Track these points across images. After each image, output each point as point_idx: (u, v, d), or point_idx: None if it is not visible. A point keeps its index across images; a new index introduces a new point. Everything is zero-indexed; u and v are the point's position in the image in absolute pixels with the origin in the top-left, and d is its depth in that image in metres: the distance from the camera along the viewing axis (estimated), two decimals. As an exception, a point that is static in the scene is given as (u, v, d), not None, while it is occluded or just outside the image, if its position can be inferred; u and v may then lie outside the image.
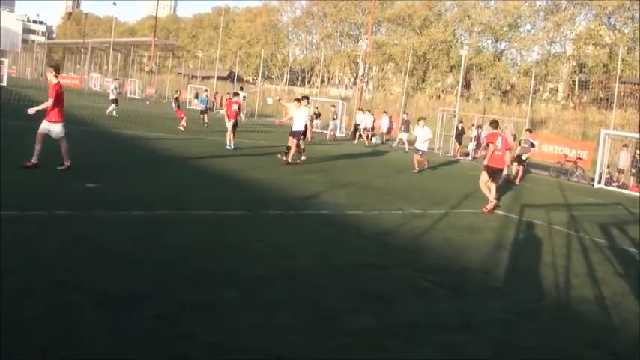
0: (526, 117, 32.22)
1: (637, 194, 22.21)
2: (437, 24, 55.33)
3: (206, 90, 36.40)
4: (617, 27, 46.40)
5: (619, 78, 30.27)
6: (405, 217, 10.97)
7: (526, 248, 9.60)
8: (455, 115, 33.57)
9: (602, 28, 46.05)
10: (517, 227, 11.41)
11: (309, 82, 67.43)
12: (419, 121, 20.43)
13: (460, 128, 32.01)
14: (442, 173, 15.64)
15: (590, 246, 10.30)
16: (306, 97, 18.97)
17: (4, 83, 48.85)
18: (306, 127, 17.56)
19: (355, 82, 55.60)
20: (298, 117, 17.62)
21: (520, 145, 21.75)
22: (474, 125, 32.94)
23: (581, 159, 27.48)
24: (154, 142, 19.18)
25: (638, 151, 25.01)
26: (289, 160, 17.01)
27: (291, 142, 17.34)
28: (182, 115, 26.24)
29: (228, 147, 19.39)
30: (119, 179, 11.37)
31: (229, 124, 19.87)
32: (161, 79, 73.23)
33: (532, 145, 21.74)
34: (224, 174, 13.59)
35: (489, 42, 54.65)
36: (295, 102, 18.38)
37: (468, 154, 31.67)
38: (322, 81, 58.44)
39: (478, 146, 31.43)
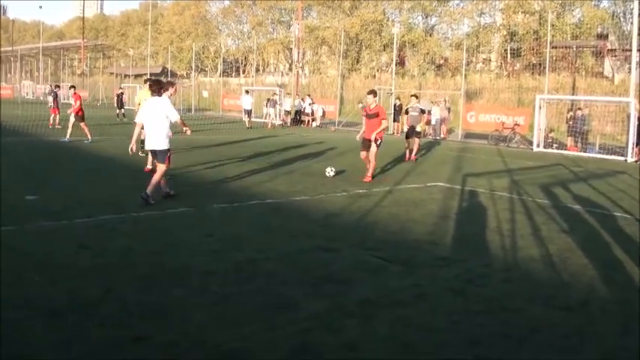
0: (461, 89, 32.69)
1: (575, 154, 22.89)
2: (367, 4, 55.35)
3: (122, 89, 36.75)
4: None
5: (550, 43, 30.93)
6: (351, 197, 10.99)
7: (471, 216, 9.75)
8: (391, 93, 33.83)
9: (531, -5, 46.87)
10: (460, 197, 11.58)
11: (244, 72, 66.87)
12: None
13: (398, 105, 32.20)
14: (381, 151, 15.66)
15: (534, 207, 10.54)
16: (148, 80, 13.24)
17: None
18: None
19: (291, 69, 55.36)
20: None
21: (408, 114, 19.03)
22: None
23: (518, 125, 28.11)
24: (89, 146, 18.70)
25: (571, 113, 25.75)
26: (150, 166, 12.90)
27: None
28: (56, 112, 26.56)
29: (64, 139, 19.64)
30: (58, 188, 11.02)
31: (72, 119, 20.22)
32: (94, 81, 71.50)
33: (422, 112, 19.11)
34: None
35: (420, 18, 55.09)
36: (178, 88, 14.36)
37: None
38: (257, 70, 57.90)
39: (427, 123, 31.64)
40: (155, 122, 9.87)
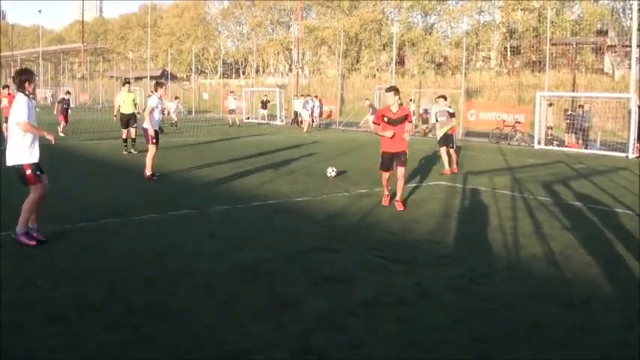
0: (461, 87, 32.67)
1: (576, 150, 22.87)
2: (366, 4, 55.41)
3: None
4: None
5: (550, 40, 30.88)
6: (352, 197, 10.99)
7: (473, 215, 9.74)
8: (392, 92, 33.81)
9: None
10: (462, 195, 11.58)
11: (244, 74, 66.90)
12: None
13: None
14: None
15: (536, 205, 10.53)
16: (127, 82, 17.39)
17: None
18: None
19: (290, 69, 55.38)
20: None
21: (437, 120, 15.62)
22: (411, 100, 33.35)
23: (519, 122, 28.10)
24: (89, 149, 18.72)
25: (571, 113, 25.74)
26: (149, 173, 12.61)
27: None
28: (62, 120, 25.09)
29: None
30: (59, 192, 11.00)
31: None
32: (94, 85, 71.51)
33: (452, 115, 15.28)
34: (162, 174, 13.28)
35: (419, 17, 55.10)
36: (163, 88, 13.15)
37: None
38: (257, 71, 57.98)
39: (425, 121, 31.60)
40: (10, 128, 7.07)
